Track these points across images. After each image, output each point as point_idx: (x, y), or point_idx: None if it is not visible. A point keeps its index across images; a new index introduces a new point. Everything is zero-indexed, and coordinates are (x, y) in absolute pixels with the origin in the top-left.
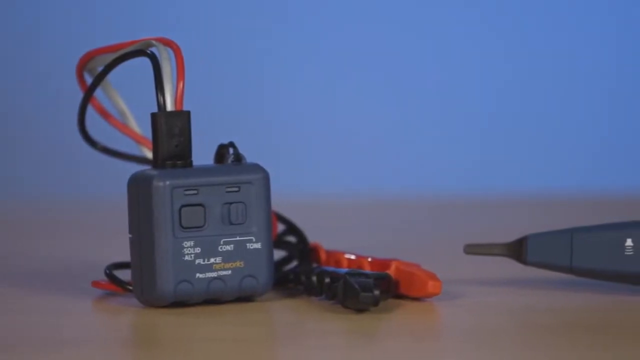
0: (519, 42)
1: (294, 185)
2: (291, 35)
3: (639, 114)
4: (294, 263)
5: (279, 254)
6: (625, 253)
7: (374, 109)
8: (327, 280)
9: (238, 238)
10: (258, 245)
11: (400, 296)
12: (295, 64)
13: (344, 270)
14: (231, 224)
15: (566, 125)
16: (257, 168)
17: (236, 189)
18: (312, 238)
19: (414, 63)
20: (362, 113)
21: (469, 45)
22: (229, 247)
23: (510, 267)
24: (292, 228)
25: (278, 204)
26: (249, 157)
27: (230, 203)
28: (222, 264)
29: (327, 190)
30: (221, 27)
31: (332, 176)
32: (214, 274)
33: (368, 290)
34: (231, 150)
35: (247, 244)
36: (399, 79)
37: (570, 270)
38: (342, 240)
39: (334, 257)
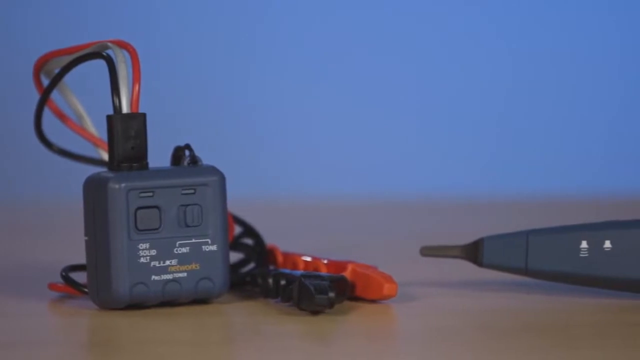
0: (505, 42)
1: (251, 188)
2: (254, 34)
3: (590, 115)
4: (251, 265)
5: (236, 256)
6: (580, 255)
7: (330, 110)
8: (283, 282)
9: (194, 240)
10: (214, 248)
11: (356, 298)
12: (254, 64)
13: (300, 272)
14: (187, 226)
15: (523, 128)
16: (213, 170)
17: (192, 191)
18: (270, 240)
19: (383, 65)
20: (318, 114)
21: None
22: (185, 250)
23: (467, 269)
24: (249, 230)
25: (235, 206)
26: (207, 159)
27: (186, 205)
28: (178, 266)
29: (285, 192)
30: (179, 28)
31: (290, 178)
32: (169, 276)
33: (323, 292)
34: (187, 153)
35: (203, 246)
36: (357, 77)
37: (525, 272)
38: (300, 243)
39: (291, 259)
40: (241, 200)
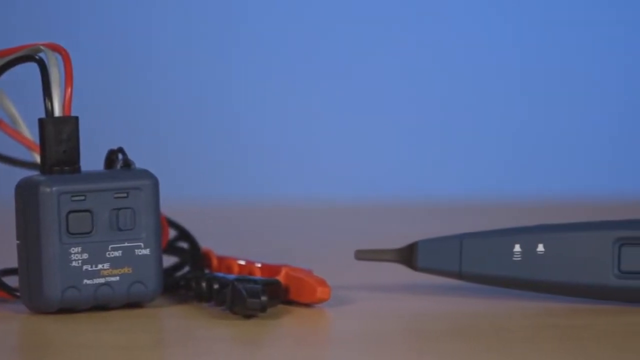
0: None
1: (187, 191)
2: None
3: (526, 117)
4: (186, 269)
5: (170, 260)
6: (514, 259)
7: (274, 109)
8: (216, 286)
9: (126, 244)
10: (147, 252)
11: (290, 302)
12: (189, 65)
13: (233, 276)
14: (119, 230)
15: (461, 132)
16: (146, 174)
17: (124, 194)
18: (207, 244)
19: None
20: (262, 113)
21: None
22: (117, 253)
23: (401, 273)
24: (183, 234)
25: (171, 210)
26: (141, 162)
27: (119, 209)
28: (110, 270)
29: (222, 196)
30: (118, 29)
31: (226, 182)
32: (101, 280)
33: (255, 296)
34: (120, 156)
35: (136, 250)
36: (307, 72)
37: (459, 276)
38: (237, 246)
39: (225, 262)
40: (177, 203)
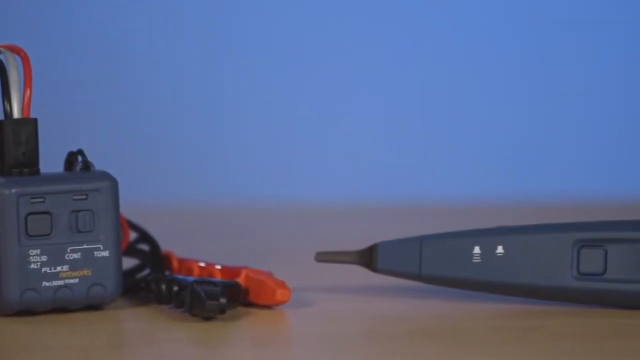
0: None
1: (150, 192)
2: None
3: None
4: (146, 271)
5: (131, 262)
6: (473, 260)
7: (230, 110)
8: (176, 288)
9: (85, 246)
10: (106, 254)
11: (250, 304)
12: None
13: (192, 278)
14: (79, 232)
15: (430, 133)
16: (105, 176)
17: (84, 196)
18: (169, 246)
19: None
20: (219, 115)
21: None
22: (76, 255)
23: (361, 275)
24: (144, 236)
25: (133, 212)
26: (101, 164)
27: (78, 211)
28: (69, 272)
29: (185, 197)
30: (80, 28)
31: (188, 183)
32: (60, 282)
33: (214, 298)
34: (80, 158)
35: (95, 252)
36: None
37: (419, 277)
38: (200, 248)
39: (186, 264)
40: (139, 205)
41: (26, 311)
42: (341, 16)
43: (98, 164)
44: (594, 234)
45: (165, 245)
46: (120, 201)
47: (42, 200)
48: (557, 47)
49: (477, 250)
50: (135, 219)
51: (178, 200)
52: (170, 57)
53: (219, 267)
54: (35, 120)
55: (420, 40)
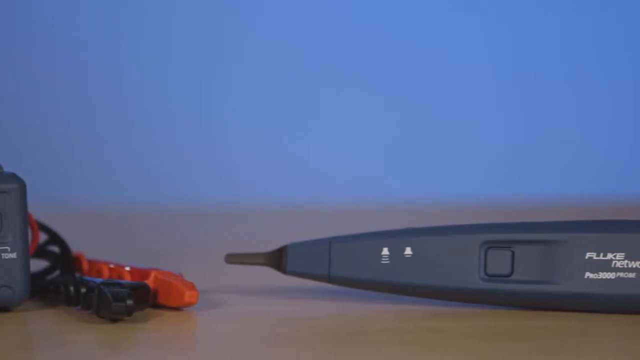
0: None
1: (63, 194)
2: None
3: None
4: (56, 273)
5: (42, 264)
6: (382, 262)
7: (155, 113)
8: (84, 290)
9: None
10: (13, 255)
11: (159, 306)
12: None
13: (100, 279)
14: None
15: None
16: (13, 178)
17: None
18: (81, 248)
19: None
20: (140, 116)
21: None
22: None
23: (271, 277)
24: (54, 238)
25: (43, 214)
26: (10, 166)
27: None
28: None
29: (98, 199)
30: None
31: (101, 185)
32: None
33: (121, 300)
34: None
35: (2, 254)
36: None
37: (328, 279)
38: (111, 250)
39: (96, 266)
40: (50, 206)
41: None
42: (341, 16)
43: (7, 166)
44: (501, 236)
45: (78, 247)
46: (33, 203)
47: None
48: (557, 48)
49: (385, 251)
50: (46, 221)
51: (92, 202)
52: (90, 53)
53: (128, 268)
54: None
55: (420, 40)
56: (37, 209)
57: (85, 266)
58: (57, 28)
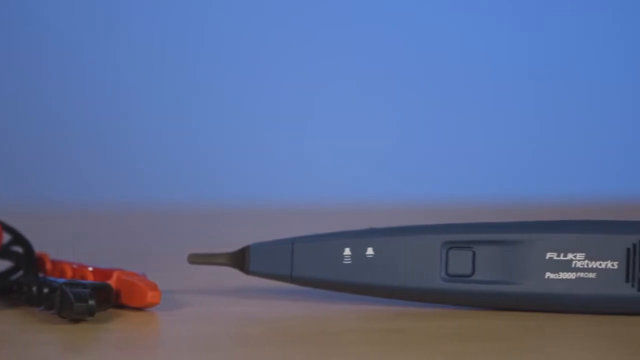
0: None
1: (31, 195)
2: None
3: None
4: (20, 273)
5: (5, 264)
6: (344, 262)
7: (121, 113)
8: (46, 290)
9: None
10: None
11: (122, 306)
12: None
13: (62, 280)
14: None
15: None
16: None
17: None
18: (48, 248)
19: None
20: (109, 116)
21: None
22: None
23: (234, 277)
24: (18, 238)
25: (6, 214)
26: None
27: None
28: None
29: (62, 199)
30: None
31: (67, 185)
32: None
33: (82, 300)
34: None
35: None
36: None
37: (291, 279)
38: (80, 250)
39: (59, 266)
40: (17, 207)
41: None
42: (341, 16)
43: None
44: (462, 236)
45: (43, 248)
46: (22, 203)
47: None
48: (558, 49)
49: (347, 252)
50: (10, 221)
51: (58, 202)
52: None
53: (91, 269)
54: None
55: (420, 41)
56: (3, 209)
57: (48, 266)
58: (53, 29)
